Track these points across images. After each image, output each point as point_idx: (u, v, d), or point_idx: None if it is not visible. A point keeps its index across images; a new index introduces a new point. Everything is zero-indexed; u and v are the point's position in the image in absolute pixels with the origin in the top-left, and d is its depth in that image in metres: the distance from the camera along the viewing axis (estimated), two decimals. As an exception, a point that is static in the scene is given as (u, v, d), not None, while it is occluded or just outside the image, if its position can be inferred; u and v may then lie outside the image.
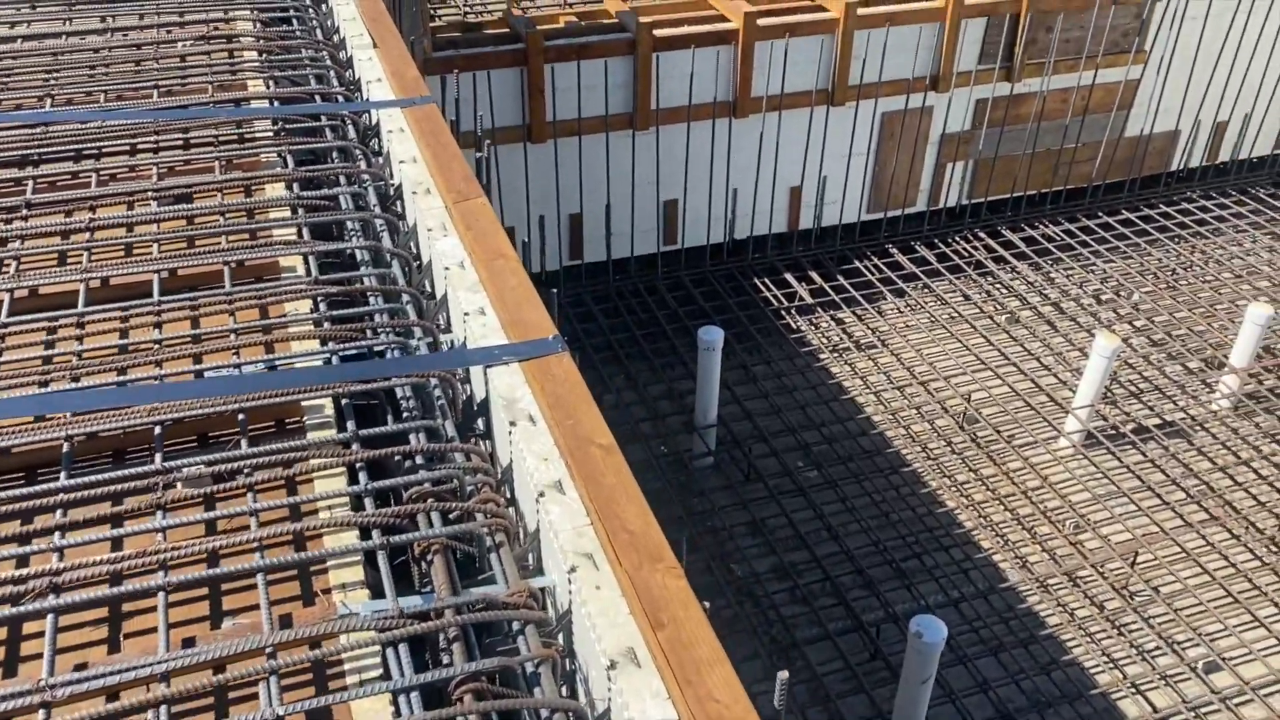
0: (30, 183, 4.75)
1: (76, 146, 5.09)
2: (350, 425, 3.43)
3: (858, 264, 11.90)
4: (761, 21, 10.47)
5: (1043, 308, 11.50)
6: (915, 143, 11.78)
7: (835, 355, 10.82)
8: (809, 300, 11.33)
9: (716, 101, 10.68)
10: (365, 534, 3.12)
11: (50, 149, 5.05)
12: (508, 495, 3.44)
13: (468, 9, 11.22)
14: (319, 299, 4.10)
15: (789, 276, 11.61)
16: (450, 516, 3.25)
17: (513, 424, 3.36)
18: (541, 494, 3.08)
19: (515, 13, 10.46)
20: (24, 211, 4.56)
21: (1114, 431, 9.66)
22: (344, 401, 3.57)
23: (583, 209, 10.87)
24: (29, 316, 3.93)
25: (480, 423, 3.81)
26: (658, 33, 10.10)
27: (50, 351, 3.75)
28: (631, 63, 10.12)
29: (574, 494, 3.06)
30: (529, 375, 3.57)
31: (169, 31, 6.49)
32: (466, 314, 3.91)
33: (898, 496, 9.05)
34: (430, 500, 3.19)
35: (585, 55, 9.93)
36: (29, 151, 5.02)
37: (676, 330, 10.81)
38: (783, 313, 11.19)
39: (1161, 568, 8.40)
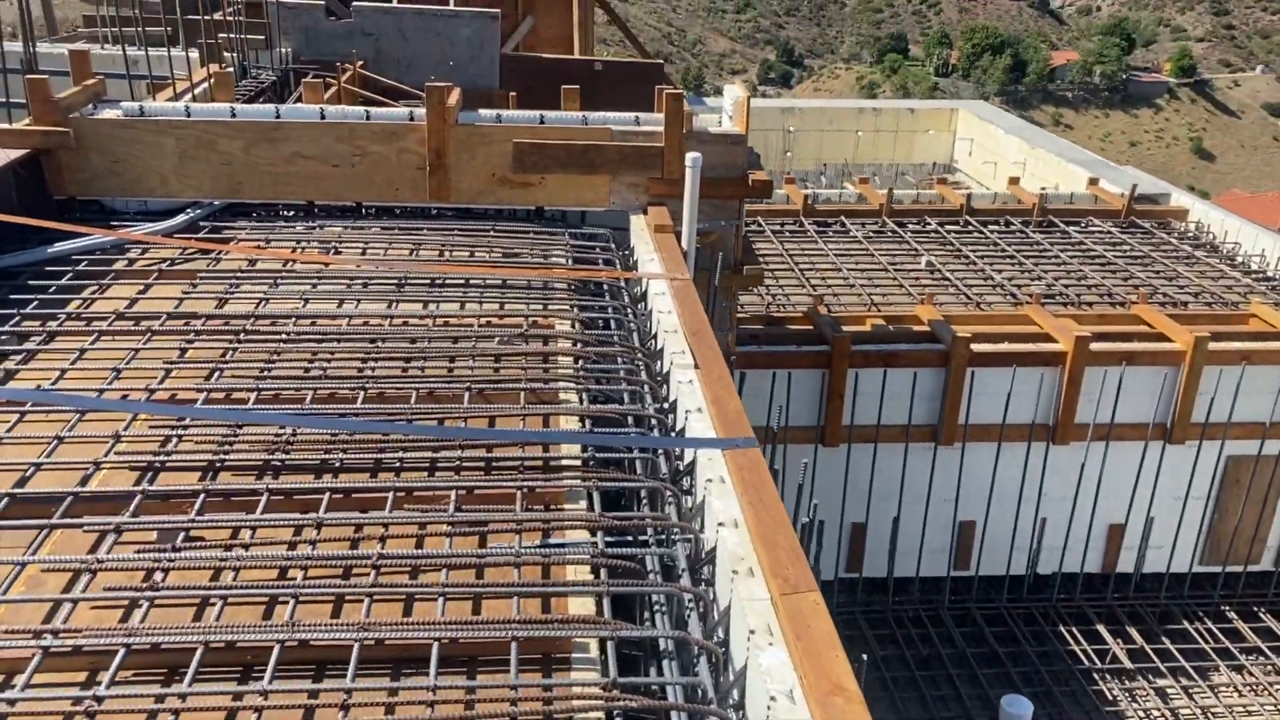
0: (326, 495, 4.43)
1: (378, 455, 4.79)
2: None
3: (1186, 625, 10.13)
4: (1095, 346, 9.50)
5: None
6: (1266, 493, 10.15)
7: (1158, 738, 9.01)
8: (1127, 663, 9.64)
9: (1034, 424, 9.67)
10: None
11: (352, 456, 4.77)
12: None
13: (770, 299, 10.96)
14: (609, 712, 3.39)
15: (1102, 629, 10.00)
16: None
17: None
18: None
19: (820, 310, 10.03)
20: (314, 535, 4.20)
21: None
22: None
23: (868, 519, 9.93)
24: (292, 684, 3.43)
25: None
26: (976, 347, 9.34)
27: (306, 743, 3.20)
28: (943, 375, 9.37)
29: None
30: None
31: (488, 323, 6.34)
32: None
33: None
34: None
35: (893, 364, 9.29)
36: (331, 456, 4.76)
37: (964, 675, 9.40)
38: (1094, 673, 9.55)
39: None
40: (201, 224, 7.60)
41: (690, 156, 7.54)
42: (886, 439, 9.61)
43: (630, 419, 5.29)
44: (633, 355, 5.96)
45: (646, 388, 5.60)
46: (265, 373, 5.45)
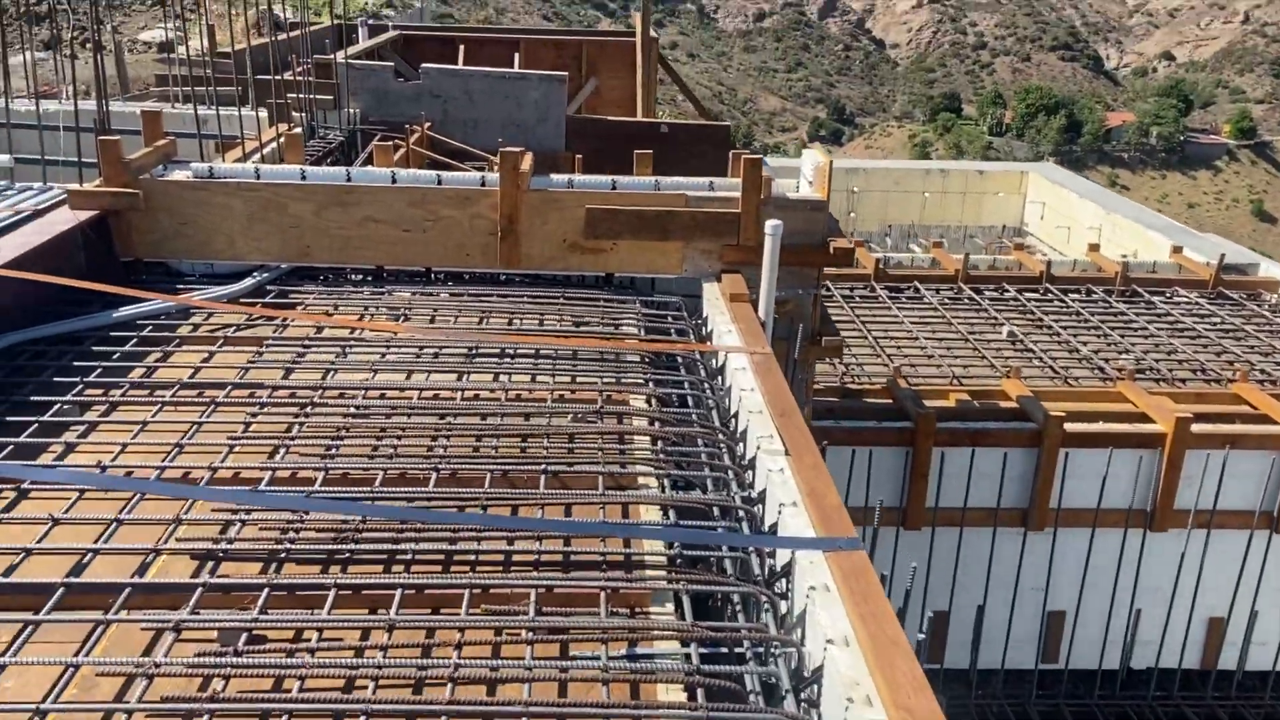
0: (397, 593, 4.09)
1: (449, 547, 4.45)
2: None
3: (1295, 729, 9.40)
4: (1196, 428, 8.95)
5: None
6: (1382, 587, 9.45)
7: None
8: (1233, 772, 8.94)
9: (1131, 509, 9.10)
10: None
11: (422, 546, 4.42)
12: None
13: (843, 369, 10.53)
14: None
15: (1203, 731, 9.31)
16: None
17: None
18: None
19: (900, 384, 9.59)
20: (385, 638, 3.85)
21: None
22: None
23: (952, 607, 9.38)
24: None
25: None
26: (1069, 427, 8.83)
27: None
28: (1034, 456, 8.86)
29: None
30: None
31: (560, 397, 6.02)
32: None
33: None
34: None
35: (980, 442, 8.82)
36: (401, 546, 4.42)
37: (1054, 780, 8.76)
38: (1197, 783, 8.86)
39: None
40: (268, 288, 7.40)
41: (771, 224, 7.24)
42: (972, 522, 9.10)
43: (716, 510, 4.91)
44: (714, 437, 5.58)
45: (731, 473, 5.21)
46: (332, 450, 5.16)
